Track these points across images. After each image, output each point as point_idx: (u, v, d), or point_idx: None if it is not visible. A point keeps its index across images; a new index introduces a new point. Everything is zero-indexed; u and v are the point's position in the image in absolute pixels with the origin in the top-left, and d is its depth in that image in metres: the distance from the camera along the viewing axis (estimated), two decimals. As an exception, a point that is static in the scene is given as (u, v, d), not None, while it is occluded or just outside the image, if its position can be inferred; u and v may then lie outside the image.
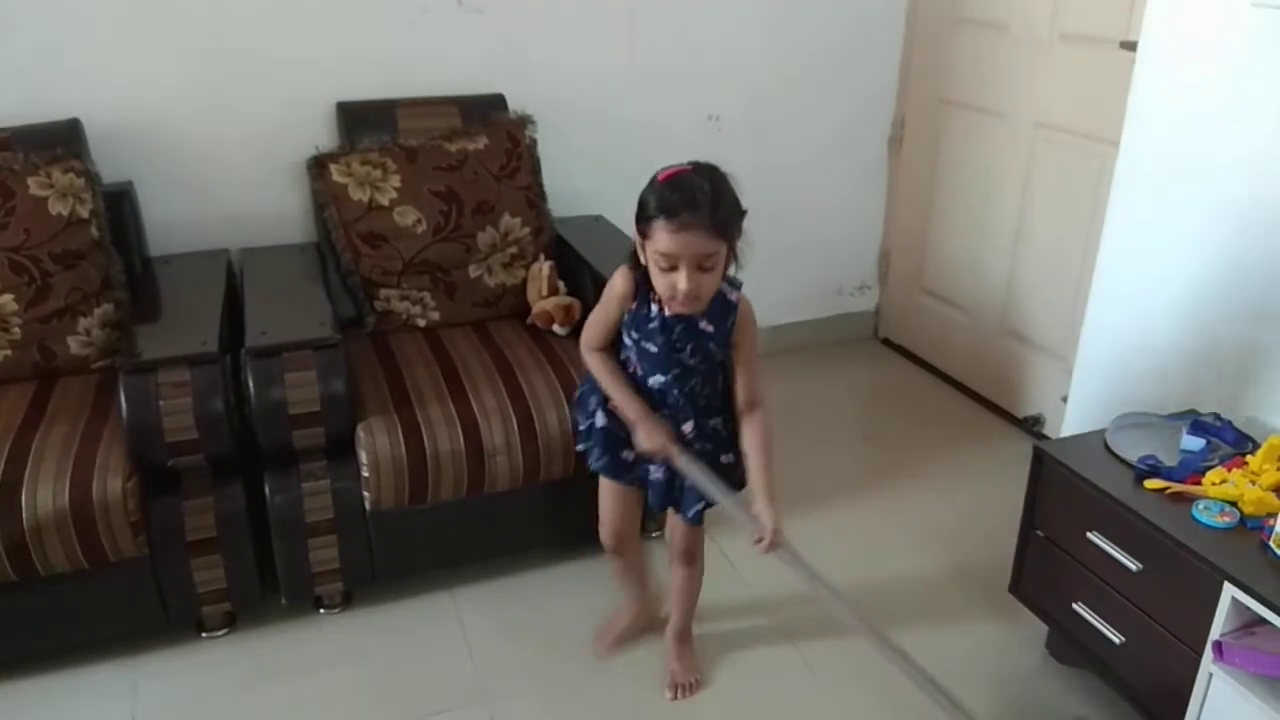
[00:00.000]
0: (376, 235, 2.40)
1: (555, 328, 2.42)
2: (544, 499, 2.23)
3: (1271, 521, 1.62)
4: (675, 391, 1.74)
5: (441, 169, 2.45)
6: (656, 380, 1.75)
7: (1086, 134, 2.63)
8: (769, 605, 2.24)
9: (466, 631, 2.15)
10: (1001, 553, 2.09)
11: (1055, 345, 2.84)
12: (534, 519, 2.27)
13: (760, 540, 1.66)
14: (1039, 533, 1.98)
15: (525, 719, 1.94)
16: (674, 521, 1.92)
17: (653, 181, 1.60)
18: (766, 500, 1.70)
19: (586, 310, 2.42)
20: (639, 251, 1.65)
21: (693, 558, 1.97)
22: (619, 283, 1.71)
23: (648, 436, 1.73)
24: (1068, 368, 2.54)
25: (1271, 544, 1.60)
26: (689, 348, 1.70)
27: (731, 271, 1.68)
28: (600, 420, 1.82)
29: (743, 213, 1.61)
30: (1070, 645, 1.99)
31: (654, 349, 1.71)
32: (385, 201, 2.40)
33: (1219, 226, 1.96)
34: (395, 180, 2.41)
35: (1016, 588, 2.06)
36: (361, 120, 2.55)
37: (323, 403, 1.99)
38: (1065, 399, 2.42)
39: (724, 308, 1.71)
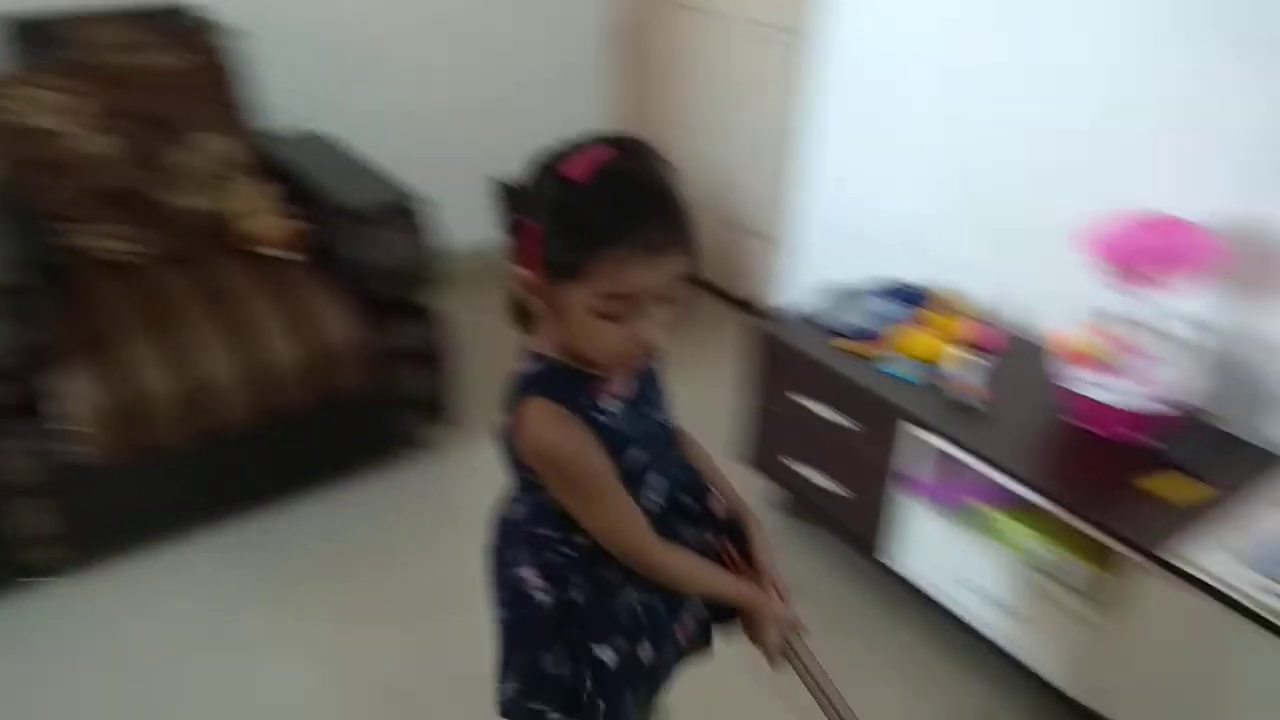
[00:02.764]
0: (57, 164, 2.17)
1: (273, 250, 2.31)
2: (284, 434, 2.18)
3: (944, 367, 1.85)
4: (667, 485, 1.19)
5: (130, 88, 2.24)
6: (658, 483, 1.17)
7: (779, 26, 2.76)
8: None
9: (216, 583, 2.06)
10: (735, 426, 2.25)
11: (766, 229, 3.02)
12: (277, 457, 2.20)
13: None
14: (761, 402, 2.15)
15: (288, 665, 1.89)
16: None
17: (563, 182, 0.99)
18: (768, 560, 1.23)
19: (307, 232, 2.32)
20: (533, 304, 1.07)
21: None
22: (567, 429, 1.05)
23: (776, 619, 1.20)
24: (779, 249, 2.73)
25: (943, 386, 1.83)
26: (654, 405, 1.18)
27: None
28: (609, 658, 1.17)
29: None
30: (799, 503, 2.19)
31: (642, 453, 1.13)
32: (67, 128, 2.17)
33: (915, 110, 2.16)
34: (80, 104, 2.18)
35: (747, 455, 2.23)
36: (37, 39, 2.27)
37: (8, 354, 1.81)
38: (777, 278, 2.60)
39: None
